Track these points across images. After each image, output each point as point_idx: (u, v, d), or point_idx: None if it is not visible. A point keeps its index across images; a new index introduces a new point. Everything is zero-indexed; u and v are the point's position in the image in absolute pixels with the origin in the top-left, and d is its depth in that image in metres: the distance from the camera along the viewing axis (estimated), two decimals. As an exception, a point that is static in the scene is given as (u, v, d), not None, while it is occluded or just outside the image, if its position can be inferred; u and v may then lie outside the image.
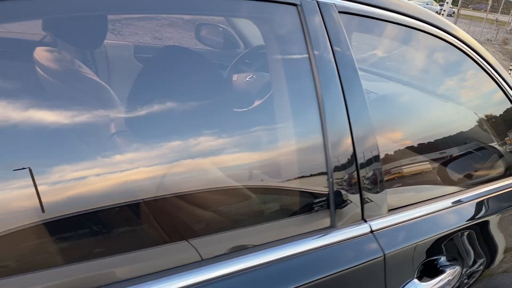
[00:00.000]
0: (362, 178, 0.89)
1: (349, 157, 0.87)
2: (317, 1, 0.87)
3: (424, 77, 1.31)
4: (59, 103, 0.69)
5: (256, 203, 0.81)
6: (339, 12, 0.89)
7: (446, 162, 1.18)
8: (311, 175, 0.84)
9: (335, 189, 0.85)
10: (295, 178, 0.84)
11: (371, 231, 0.90)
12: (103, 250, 0.65)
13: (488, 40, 15.48)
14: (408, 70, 1.30)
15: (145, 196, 0.68)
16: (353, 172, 0.87)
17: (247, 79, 1.48)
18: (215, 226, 0.75)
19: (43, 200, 0.59)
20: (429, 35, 1.11)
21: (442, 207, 1.07)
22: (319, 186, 0.85)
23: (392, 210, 0.97)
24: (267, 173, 0.81)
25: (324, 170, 0.84)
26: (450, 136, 1.23)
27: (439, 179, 1.16)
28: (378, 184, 0.93)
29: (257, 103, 1.17)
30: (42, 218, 0.60)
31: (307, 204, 0.85)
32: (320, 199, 0.85)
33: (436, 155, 1.18)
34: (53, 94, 0.78)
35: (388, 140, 1.07)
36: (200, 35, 1.86)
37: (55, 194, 0.61)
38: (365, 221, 0.91)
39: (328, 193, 0.85)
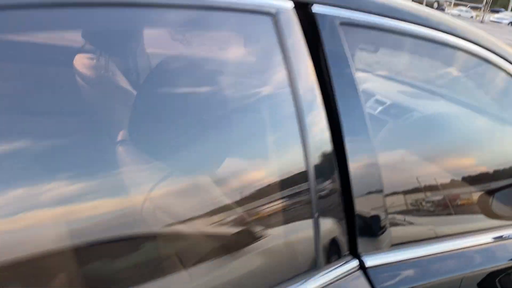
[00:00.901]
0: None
1: (335, 174, 0.74)
2: (308, 11, 0.73)
3: (455, 88, 1.18)
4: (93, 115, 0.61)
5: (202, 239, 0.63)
6: (341, 24, 0.76)
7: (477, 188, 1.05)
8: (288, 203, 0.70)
9: (318, 217, 0.72)
10: (260, 199, 0.68)
11: (361, 267, 0.77)
12: None
13: None
14: (437, 83, 1.18)
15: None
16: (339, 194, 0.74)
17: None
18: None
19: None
20: (464, 53, 0.97)
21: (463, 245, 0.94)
22: (299, 215, 0.71)
23: (397, 245, 0.84)
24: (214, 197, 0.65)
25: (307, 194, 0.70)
26: (487, 157, 1.10)
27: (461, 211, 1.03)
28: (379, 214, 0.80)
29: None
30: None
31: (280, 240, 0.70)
32: (301, 235, 0.72)
33: (463, 179, 1.04)
34: (91, 103, 0.70)
35: (401, 158, 0.94)
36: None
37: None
38: (357, 257, 0.78)
39: (312, 223, 0.71)
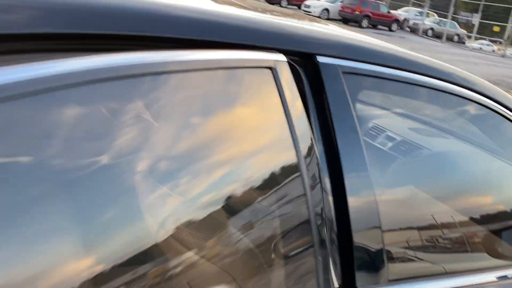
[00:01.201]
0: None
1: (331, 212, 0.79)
2: (314, 61, 0.81)
3: (453, 130, 1.23)
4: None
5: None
6: (344, 73, 0.84)
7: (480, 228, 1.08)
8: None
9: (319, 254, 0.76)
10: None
11: None
12: None
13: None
14: (435, 126, 1.23)
15: None
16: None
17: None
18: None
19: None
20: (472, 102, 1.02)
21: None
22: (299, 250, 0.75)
23: (395, 280, 0.88)
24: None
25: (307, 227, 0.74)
26: (490, 196, 1.13)
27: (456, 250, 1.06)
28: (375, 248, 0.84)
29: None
30: None
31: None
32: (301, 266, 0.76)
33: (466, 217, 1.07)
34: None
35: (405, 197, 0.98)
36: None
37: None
38: None
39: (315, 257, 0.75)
